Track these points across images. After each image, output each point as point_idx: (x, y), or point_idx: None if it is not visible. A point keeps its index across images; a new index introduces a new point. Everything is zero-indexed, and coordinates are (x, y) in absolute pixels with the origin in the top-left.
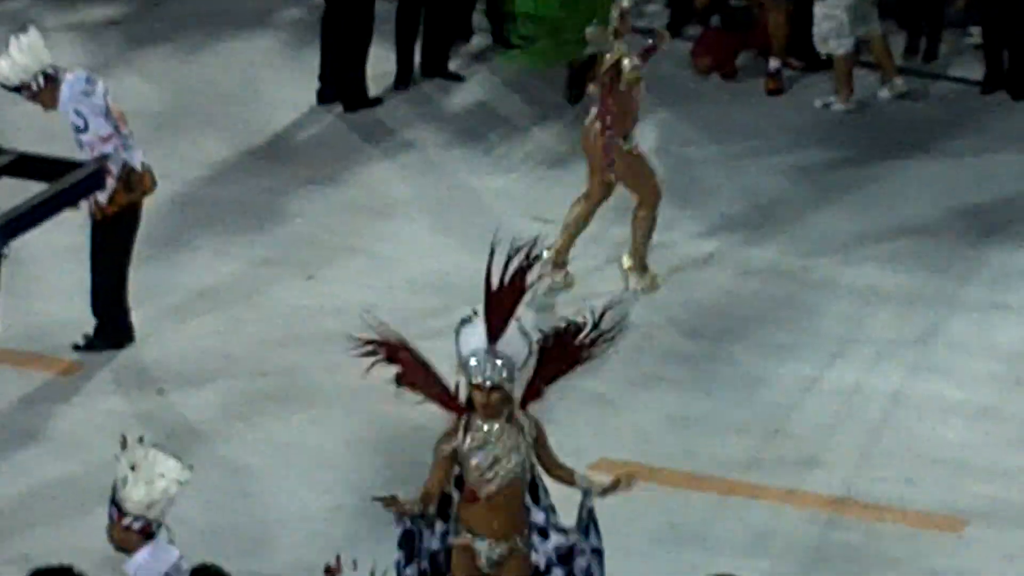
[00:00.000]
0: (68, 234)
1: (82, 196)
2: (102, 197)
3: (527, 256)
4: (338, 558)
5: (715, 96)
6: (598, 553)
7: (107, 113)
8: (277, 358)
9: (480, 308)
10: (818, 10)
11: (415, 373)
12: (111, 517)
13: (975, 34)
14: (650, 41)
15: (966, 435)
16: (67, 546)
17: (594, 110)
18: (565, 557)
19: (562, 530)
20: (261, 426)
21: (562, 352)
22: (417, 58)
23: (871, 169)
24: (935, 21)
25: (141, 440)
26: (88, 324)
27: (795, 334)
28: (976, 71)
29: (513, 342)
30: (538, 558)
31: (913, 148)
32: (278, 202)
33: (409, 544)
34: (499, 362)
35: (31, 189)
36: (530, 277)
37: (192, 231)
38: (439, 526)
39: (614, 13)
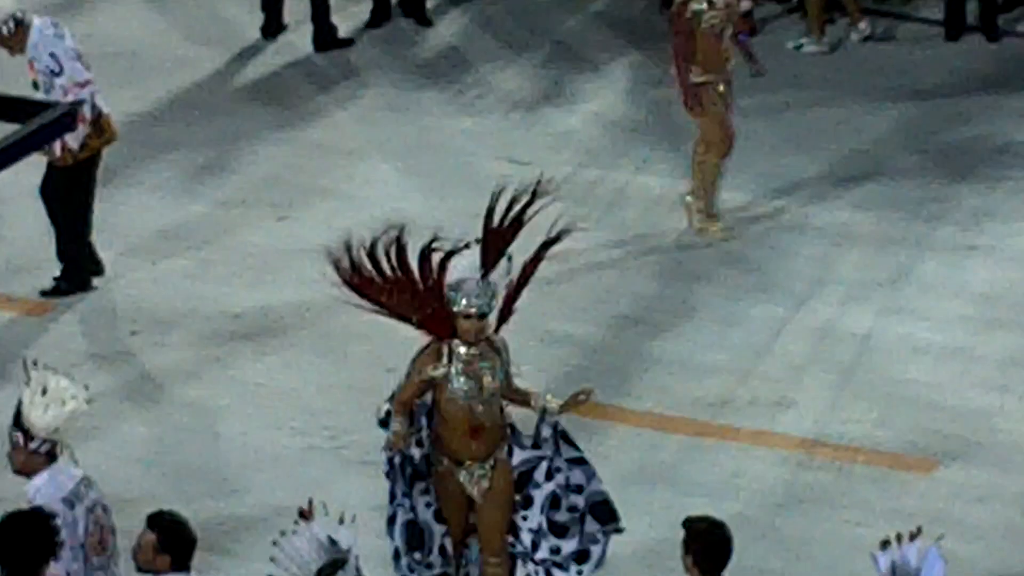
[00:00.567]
0: (36, 176)
1: (52, 139)
2: (73, 143)
3: (530, 195)
4: (310, 502)
5: None
6: (578, 461)
7: (80, 58)
8: (248, 299)
9: (473, 241)
10: None
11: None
12: (15, 443)
13: None
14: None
15: (937, 376)
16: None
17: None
18: (541, 473)
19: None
20: (233, 367)
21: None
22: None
23: (843, 111)
24: None
25: (38, 364)
26: (55, 268)
27: (766, 276)
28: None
29: (499, 268)
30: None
31: (885, 90)
32: (247, 143)
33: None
34: (486, 289)
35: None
36: (527, 215)
37: (162, 172)
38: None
39: None
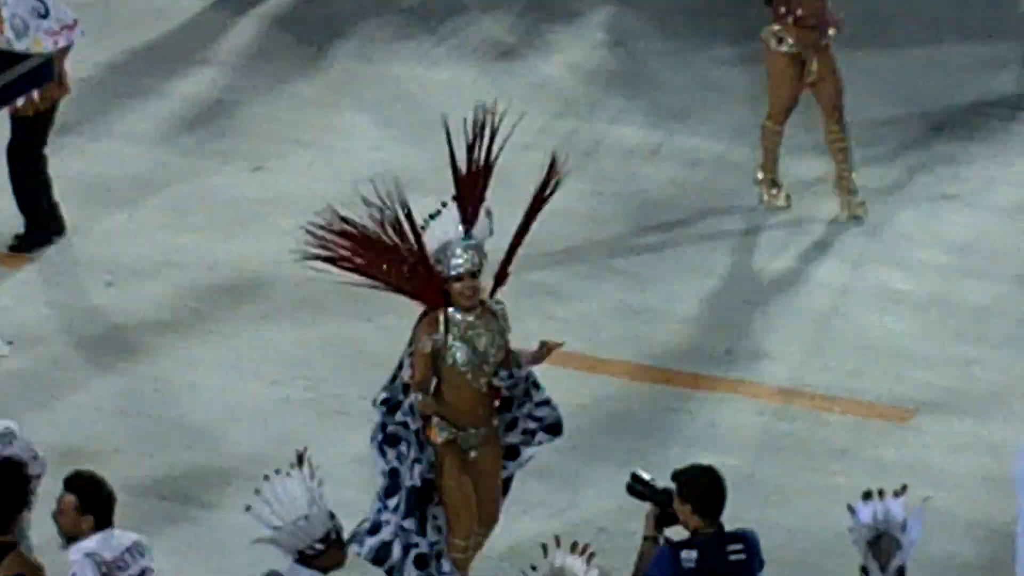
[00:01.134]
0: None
1: (27, 91)
2: (35, 92)
3: (490, 133)
4: (305, 449)
5: None
6: (545, 402)
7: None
8: (224, 250)
9: (448, 200)
10: None
11: (387, 262)
12: None
13: None
14: None
15: (913, 326)
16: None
17: None
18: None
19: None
20: (209, 318)
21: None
22: None
23: None
24: None
25: None
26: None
27: (742, 226)
28: None
29: (481, 227)
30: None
31: (861, 40)
32: (223, 95)
33: (394, 481)
34: (475, 247)
35: None
36: (494, 154)
37: (137, 123)
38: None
39: None
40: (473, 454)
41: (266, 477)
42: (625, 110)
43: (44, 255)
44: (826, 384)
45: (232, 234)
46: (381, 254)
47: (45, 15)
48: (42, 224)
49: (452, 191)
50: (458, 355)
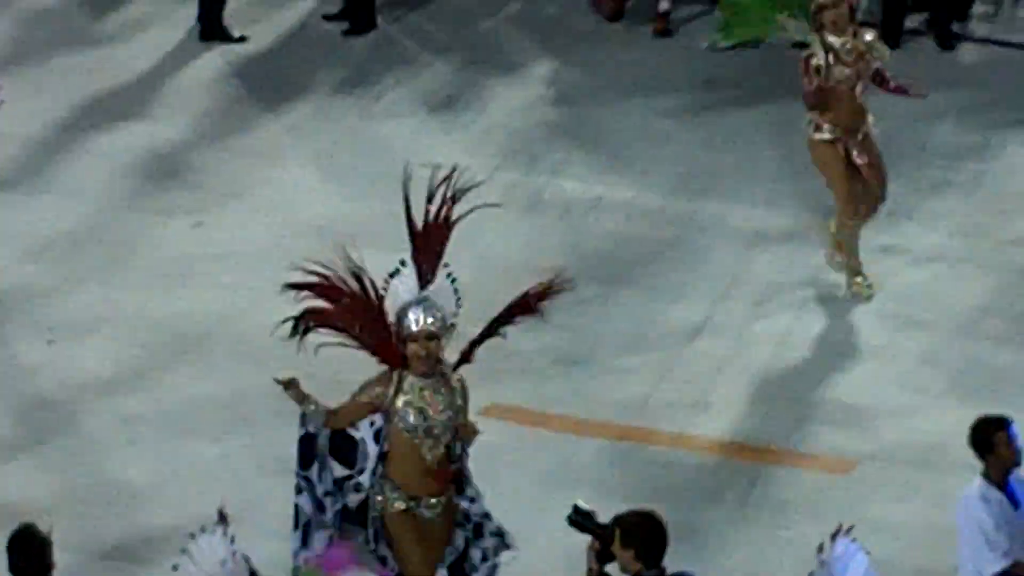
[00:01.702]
0: None
1: None
2: None
3: (450, 192)
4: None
5: (602, 39)
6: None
7: None
8: (165, 306)
9: (407, 259)
10: None
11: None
12: None
13: None
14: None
15: (854, 376)
16: None
17: None
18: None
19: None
20: (149, 375)
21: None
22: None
23: (758, 111)
24: None
25: None
26: None
27: (683, 277)
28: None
29: (443, 292)
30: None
31: (800, 89)
32: (163, 148)
33: (309, 447)
34: (433, 309)
35: None
36: (455, 213)
37: (75, 178)
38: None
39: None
40: (429, 526)
41: (191, 535)
42: (566, 162)
43: None
44: (767, 435)
45: (172, 289)
46: (348, 308)
47: None
48: None
49: (397, 243)
50: (408, 419)
